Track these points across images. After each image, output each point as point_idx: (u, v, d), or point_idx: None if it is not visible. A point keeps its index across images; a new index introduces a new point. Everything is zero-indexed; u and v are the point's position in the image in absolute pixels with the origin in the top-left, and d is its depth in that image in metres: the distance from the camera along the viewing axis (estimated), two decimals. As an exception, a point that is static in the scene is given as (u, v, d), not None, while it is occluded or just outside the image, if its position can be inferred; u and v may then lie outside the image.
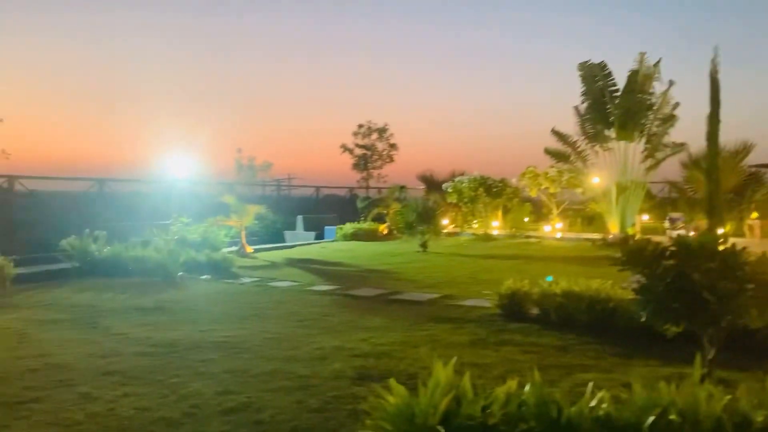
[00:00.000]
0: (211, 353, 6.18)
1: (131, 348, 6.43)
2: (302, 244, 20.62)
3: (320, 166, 49.27)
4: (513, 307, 7.83)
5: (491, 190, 21.09)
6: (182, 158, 21.88)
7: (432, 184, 25.73)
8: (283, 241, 22.44)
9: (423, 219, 16.72)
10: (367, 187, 30.93)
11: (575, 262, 14.72)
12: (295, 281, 11.59)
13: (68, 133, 38.82)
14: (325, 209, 25.69)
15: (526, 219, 22.18)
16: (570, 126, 20.73)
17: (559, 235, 22.01)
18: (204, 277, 12.31)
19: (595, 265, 13.95)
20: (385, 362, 5.74)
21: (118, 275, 12.10)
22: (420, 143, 49.14)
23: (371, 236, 22.62)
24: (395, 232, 24.31)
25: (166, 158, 20.99)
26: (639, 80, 18.29)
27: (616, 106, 18.82)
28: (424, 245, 17.03)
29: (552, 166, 22.59)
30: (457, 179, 21.02)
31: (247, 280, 11.92)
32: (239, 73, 41.39)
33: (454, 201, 20.37)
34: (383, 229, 23.97)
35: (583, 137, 19.76)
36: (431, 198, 17.70)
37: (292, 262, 15.15)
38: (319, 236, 22.70)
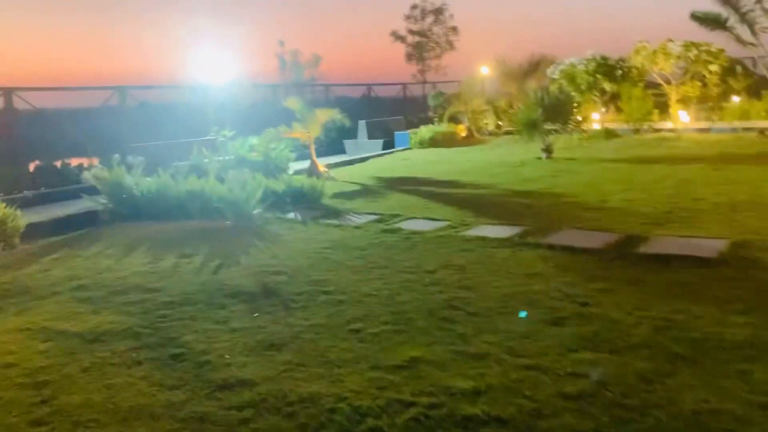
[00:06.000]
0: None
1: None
2: (373, 156, 16.66)
3: (368, 62, 43.51)
4: None
5: (614, 74, 16.55)
6: (217, 60, 17.69)
7: (511, 73, 21.09)
8: (343, 152, 18.45)
9: (552, 116, 12.57)
10: (424, 82, 26.37)
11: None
12: (434, 219, 7.76)
13: (79, 44, 34.17)
14: (380, 111, 21.33)
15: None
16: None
17: (694, 128, 17.62)
18: (290, 216, 8.60)
19: None
20: None
21: (168, 218, 8.50)
22: (484, 26, 42.90)
23: (450, 141, 18.54)
24: (476, 134, 20.22)
25: (199, 61, 16.80)
26: None
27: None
28: (548, 149, 13.00)
29: (670, 40, 18.00)
30: (568, 61, 16.51)
31: (358, 219, 8.13)
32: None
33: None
34: (462, 131, 19.84)
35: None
36: (557, 88, 13.38)
37: (392, 184, 11.31)
38: (387, 145, 18.62)
